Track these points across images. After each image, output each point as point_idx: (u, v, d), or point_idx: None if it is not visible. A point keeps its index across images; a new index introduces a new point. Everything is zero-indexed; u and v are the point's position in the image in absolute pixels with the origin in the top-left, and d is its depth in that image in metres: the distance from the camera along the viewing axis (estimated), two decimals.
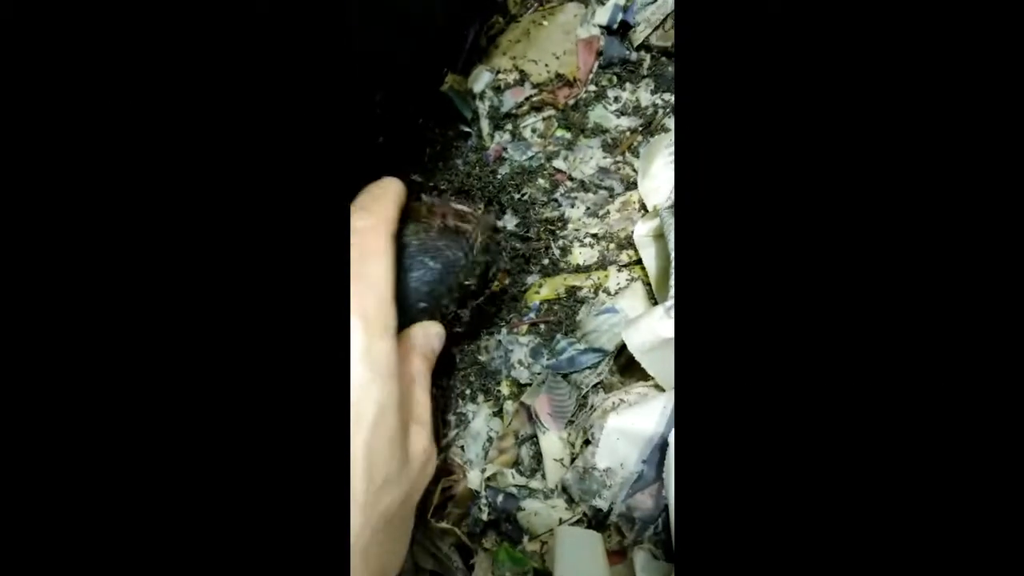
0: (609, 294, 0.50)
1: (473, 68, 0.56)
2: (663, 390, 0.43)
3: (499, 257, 0.46)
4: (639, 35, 0.54)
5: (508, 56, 0.56)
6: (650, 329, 0.41)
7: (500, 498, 0.44)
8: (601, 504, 0.41)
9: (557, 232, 0.54)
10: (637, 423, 0.42)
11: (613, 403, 0.44)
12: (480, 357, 0.53)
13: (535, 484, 0.45)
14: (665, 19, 0.54)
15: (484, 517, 0.44)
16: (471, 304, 0.44)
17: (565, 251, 0.54)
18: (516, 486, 0.45)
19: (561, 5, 0.56)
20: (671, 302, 0.41)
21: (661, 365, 0.42)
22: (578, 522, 0.42)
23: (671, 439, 0.39)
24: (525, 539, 0.43)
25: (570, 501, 0.43)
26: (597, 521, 0.42)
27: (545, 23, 0.55)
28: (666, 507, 0.39)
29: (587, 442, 0.44)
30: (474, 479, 0.46)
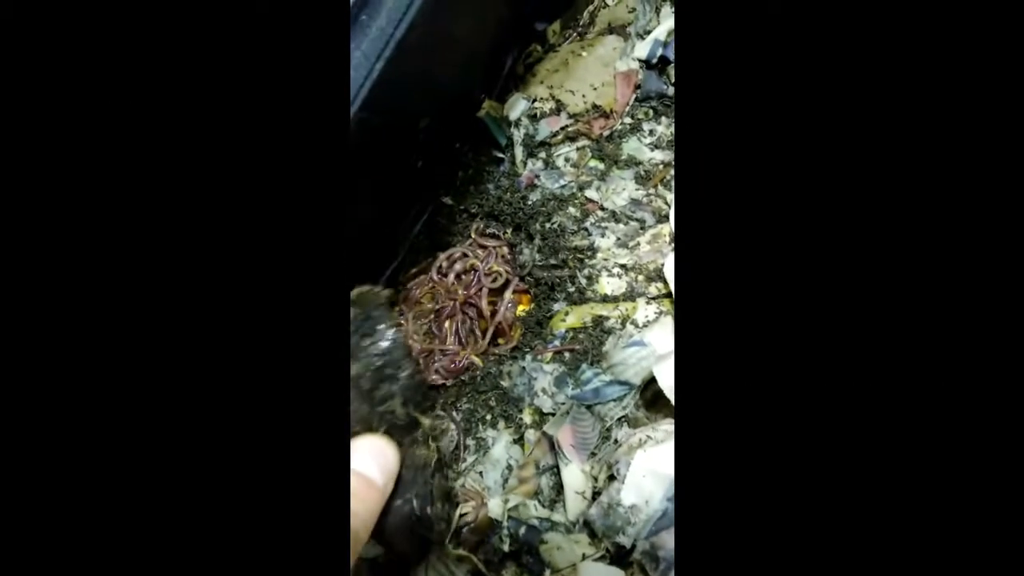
0: (637, 326, 0.50)
1: (509, 95, 0.57)
2: None
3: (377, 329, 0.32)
4: None
5: (545, 85, 0.56)
6: None
7: (523, 530, 0.44)
8: (625, 541, 0.41)
9: (586, 260, 0.54)
10: (664, 461, 0.41)
11: (640, 439, 0.44)
12: (502, 382, 0.53)
13: (557, 517, 0.45)
14: None
15: (505, 548, 0.44)
16: (387, 390, 0.32)
17: (592, 280, 0.54)
18: (538, 518, 0.45)
19: (601, 37, 0.57)
20: None
21: None
22: (601, 558, 0.42)
23: None
24: (547, 572, 0.42)
25: (593, 536, 0.43)
26: (620, 558, 0.41)
27: (584, 54, 0.56)
28: None
29: (612, 477, 0.44)
30: (495, 508, 0.45)
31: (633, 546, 0.41)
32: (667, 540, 0.40)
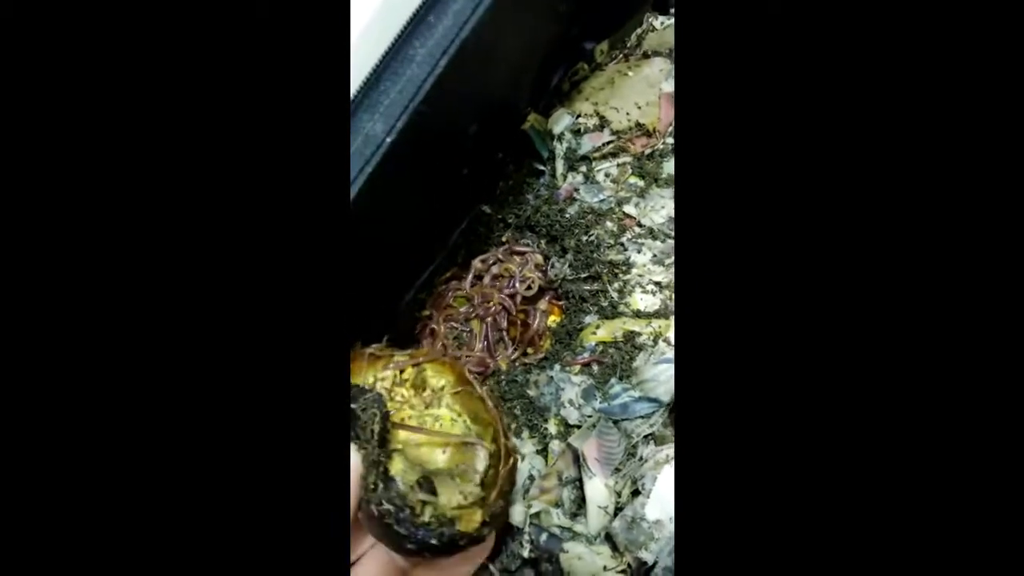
0: (669, 344, 0.50)
1: (553, 110, 0.58)
2: None
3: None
4: None
5: (590, 102, 0.57)
6: None
7: (544, 537, 0.44)
8: (647, 557, 0.40)
9: (620, 275, 0.54)
10: None
11: (667, 455, 0.43)
12: (529, 391, 0.53)
13: (579, 528, 0.44)
14: None
15: (525, 554, 0.43)
16: None
17: (623, 294, 0.54)
18: (560, 527, 0.44)
19: (648, 59, 0.58)
20: None
21: None
22: (622, 572, 0.41)
23: None
24: None
25: (615, 549, 0.42)
26: (642, 574, 0.40)
27: (630, 74, 0.57)
28: None
29: (636, 492, 0.43)
30: (517, 514, 0.45)
31: (655, 563, 0.40)
32: None
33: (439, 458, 0.34)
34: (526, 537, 0.44)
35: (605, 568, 0.41)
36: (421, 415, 0.34)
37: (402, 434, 0.34)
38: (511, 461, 0.34)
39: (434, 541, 0.31)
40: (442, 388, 0.35)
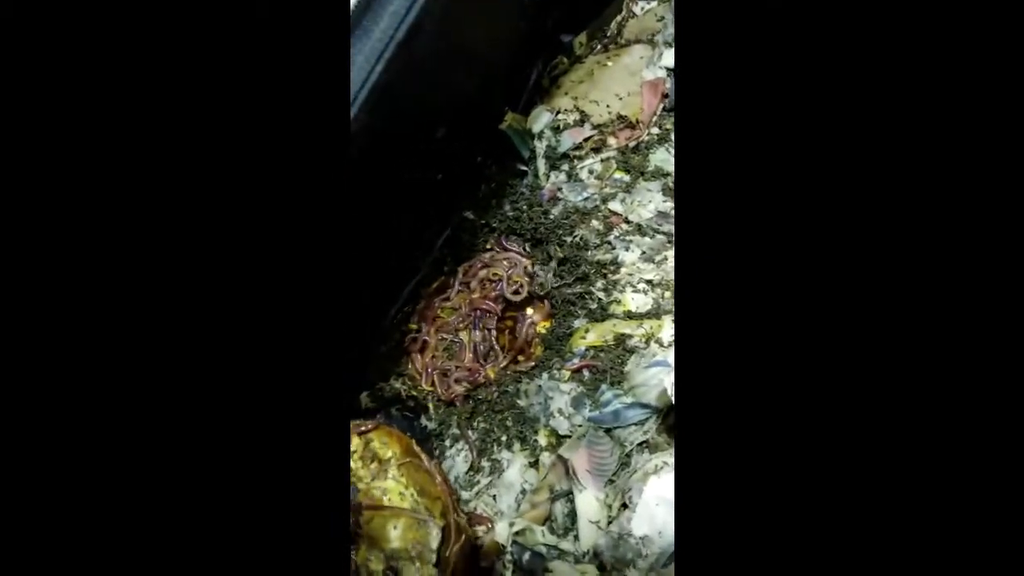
0: (662, 346, 0.47)
1: (533, 107, 0.56)
2: None
3: None
4: None
5: (570, 96, 0.55)
6: None
7: (527, 556, 0.42)
8: (635, 575, 0.38)
9: (608, 275, 0.52)
10: None
11: (656, 465, 0.41)
12: (519, 401, 0.51)
13: (566, 545, 0.42)
14: None
15: (508, 575, 0.42)
16: None
17: (610, 293, 0.51)
18: (546, 545, 0.42)
19: (627, 47, 0.55)
20: None
21: None
22: None
23: None
24: None
25: (602, 568, 0.40)
26: None
27: (609, 64, 0.55)
28: None
29: (624, 506, 0.41)
30: (501, 532, 0.43)
31: None
32: None
33: (392, 534, 0.33)
34: (508, 557, 0.42)
35: None
36: (368, 487, 0.34)
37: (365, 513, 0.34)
38: (462, 539, 0.33)
39: None
40: (389, 459, 0.35)
